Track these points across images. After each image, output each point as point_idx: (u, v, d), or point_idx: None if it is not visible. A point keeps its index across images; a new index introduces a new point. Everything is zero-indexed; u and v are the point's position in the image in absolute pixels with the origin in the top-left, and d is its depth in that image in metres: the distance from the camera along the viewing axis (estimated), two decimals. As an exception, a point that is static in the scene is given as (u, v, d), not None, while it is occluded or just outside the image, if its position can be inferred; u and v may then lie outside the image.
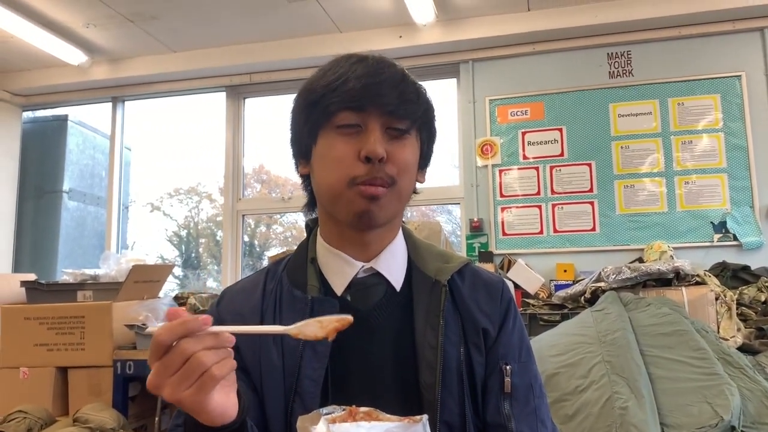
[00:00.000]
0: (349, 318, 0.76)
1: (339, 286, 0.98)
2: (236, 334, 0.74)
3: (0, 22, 3.79)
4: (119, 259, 3.01)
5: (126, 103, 4.97)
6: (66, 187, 4.92)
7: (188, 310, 2.81)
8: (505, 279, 3.47)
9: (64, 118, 5.03)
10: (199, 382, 0.69)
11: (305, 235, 1.09)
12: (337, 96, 0.90)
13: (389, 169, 0.91)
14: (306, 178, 1.02)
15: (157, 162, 5.40)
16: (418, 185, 1.03)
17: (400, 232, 1.04)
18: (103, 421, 2.34)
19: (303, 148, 0.98)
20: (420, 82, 0.98)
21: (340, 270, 0.98)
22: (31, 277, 3.00)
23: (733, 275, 3.27)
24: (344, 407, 0.76)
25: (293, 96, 1.01)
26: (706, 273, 3.06)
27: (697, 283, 2.91)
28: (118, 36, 4.18)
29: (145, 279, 2.86)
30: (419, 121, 0.96)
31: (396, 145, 0.92)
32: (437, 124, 1.03)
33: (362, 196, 0.90)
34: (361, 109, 0.90)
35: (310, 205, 1.06)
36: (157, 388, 0.70)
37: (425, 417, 0.75)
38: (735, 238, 3.62)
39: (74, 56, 4.34)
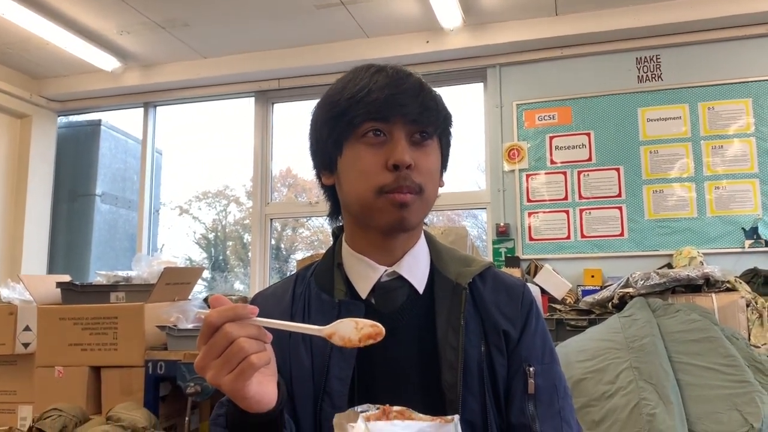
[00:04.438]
0: (383, 330, 0.79)
1: (363, 290, 1.00)
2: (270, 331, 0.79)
3: (37, 30, 3.91)
4: (151, 261, 3.06)
5: (157, 108, 5.06)
6: (99, 190, 5.03)
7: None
8: (531, 284, 3.48)
9: (97, 123, 5.14)
10: (239, 368, 0.74)
11: (332, 240, 1.12)
12: (362, 108, 0.93)
13: (416, 177, 0.93)
14: (330, 188, 1.05)
15: (187, 166, 5.49)
16: (439, 189, 1.05)
17: (422, 236, 1.07)
18: (135, 419, 2.38)
19: (327, 160, 1.00)
20: (441, 88, 1.01)
21: (364, 274, 1.01)
22: (66, 278, 3.07)
23: (765, 282, 3.22)
24: (378, 406, 0.78)
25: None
26: (737, 279, 3.02)
27: (728, 290, 2.87)
28: (150, 42, 4.26)
29: (176, 281, 2.90)
30: (440, 128, 0.99)
31: (420, 153, 0.95)
32: (457, 129, 1.05)
33: (392, 204, 0.92)
34: (386, 119, 0.93)
35: (335, 213, 1.09)
36: (202, 369, 0.76)
37: (457, 417, 0.77)
38: (767, 244, 3.56)
39: (107, 62, 4.44)
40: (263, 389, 0.78)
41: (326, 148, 0.99)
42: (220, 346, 0.74)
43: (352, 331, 0.79)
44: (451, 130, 1.04)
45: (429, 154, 0.97)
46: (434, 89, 1.00)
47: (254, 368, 0.74)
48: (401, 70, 0.97)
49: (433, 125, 0.97)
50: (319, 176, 1.05)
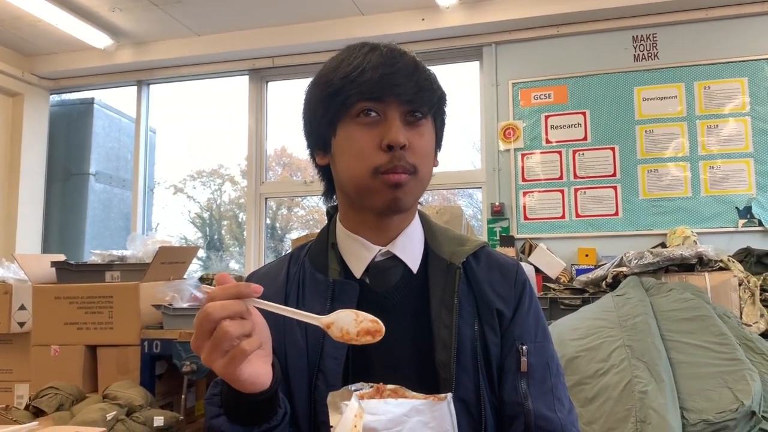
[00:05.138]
0: (383, 328, 0.79)
1: (358, 270, 1.00)
2: (264, 313, 0.79)
3: (29, 7, 3.86)
4: (146, 240, 3.06)
5: (151, 86, 5.02)
6: (92, 169, 5.00)
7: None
8: (525, 263, 3.50)
9: (90, 102, 5.10)
10: (230, 354, 0.74)
11: (326, 220, 1.12)
12: (355, 87, 0.92)
13: (410, 158, 0.93)
14: (324, 168, 1.04)
15: (181, 145, 5.46)
16: (434, 169, 1.05)
17: (417, 216, 1.07)
18: (132, 398, 2.40)
19: (321, 140, 1.00)
20: (436, 67, 1.00)
21: (358, 254, 1.01)
22: (61, 257, 3.06)
23: (757, 261, 3.24)
24: (371, 384, 0.79)
25: None
26: (730, 258, 3.04)
27: (721, 269, 2.89)
28: (142, 20, 4.22)
29: (171, 260, 2.90)
30: (434, 108, 0.99)
31: (414, 134, 0.95)
32: (453, 108, 1.05)
33: (387, 185, 0.92)
34: (380, 99, 0.92)
35: (329, 192, 1.08)
36: (197, 349, 0.76)
37: (450, 395, 0.78)
38: (760, 223, 3.58)
39: (100, 40, 4.40)
40: (257, 370, 0.78)
41: (320, 128, 0.98)
42: (204, 328, 0.74)
43: (351, 323, 0.78)
44: (446, 109, 1.04)
45: (423, 135, 0.96)
46: (429, 68, 0.99)
47: (245, 354, 0.74)
48: (395, 49, 0.96)
49: (427, 105, 0.96)
50: (312, 156, 1.05)
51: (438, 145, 1.04)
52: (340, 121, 0.95)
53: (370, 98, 0.92)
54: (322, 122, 0.97)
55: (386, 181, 0.92)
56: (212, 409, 0.86)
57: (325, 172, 1.05)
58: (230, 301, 0.74)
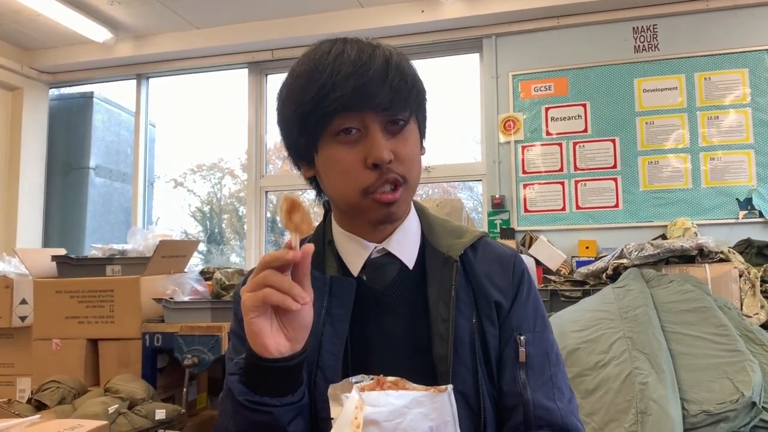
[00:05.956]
0: (293, 197, 0.83)
1: (355, 267, 1.01)
2: None
3: (28, 1, 3.84)
4: (146, 234, 3.06)
5: (150, 80, 5.01)
6: (92, 163, 5.00)
7: (214, 285, 2.86)
8: (526, 255, 3.50)
9: (89, 96, 5.09)
10: (256, 293, 0.80)
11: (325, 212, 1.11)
12: (330, 105, 0.88)
13: (398, 168, 0.91)
14: (311, 179, 1.03)
15: (181, 138, 5.46)
16: (423, 159, 1.03)
17: (413, 210, 1.06)
18: (133, 391, 2.40)
19: (303, 156, 0.98)
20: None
21: (354, 252, 1.01)
22: (62, 251, 3.06)
23: (758, 252, 3.24)
24: (372, 377, 0.79)
25: None
26: (731, 250, 3.04)
27: (721, 260, 2.89)
28: (141, 13, 4.20)
29: (171, 254, 2.90)
30: (414, 106, 0.95)
31: (398, 141, 0.92)
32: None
33: (380, 204, 0.91)
34: (357, 113, 0.89)
35: (321, 195, 1.07)
36: (246, 284, 0.83)
37: (450, 387, 0.78)
38: (761, 214, 3.58)
39: (99, 34, 4.38)
40: (271, 331, 0.81)
41: (299, 145, 0.96)
42: (256, 270, 0.82)
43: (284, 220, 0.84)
44: (427, 98, 1.00)
45: (407, 139, 0.94)
46: (402, 60, 0.93)
47: (264, 298, 0.79)
48: (364, 50, 0.91)
49: (406, 109, 0.92)
50: (297, 167, 1.03)
51: (422, 134, 1.02)
52: (319, 140, 0.92)
53: (347, 114, 0.89)
54: (300, 140, 0.95)
55: (378, 200, 0.91)
56: (230, 367, 0.90)
57: (313, 182, 1.04)
58: (280, 252, 0.81)
